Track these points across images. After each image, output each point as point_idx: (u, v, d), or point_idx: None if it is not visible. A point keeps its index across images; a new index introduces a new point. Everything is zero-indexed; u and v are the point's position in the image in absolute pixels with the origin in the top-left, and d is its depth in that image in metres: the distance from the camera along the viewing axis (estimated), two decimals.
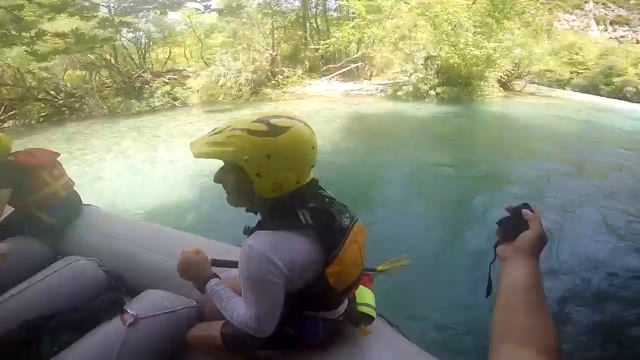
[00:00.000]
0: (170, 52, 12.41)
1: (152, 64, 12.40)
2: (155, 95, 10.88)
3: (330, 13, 13.49)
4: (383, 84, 11.66)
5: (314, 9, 13.41)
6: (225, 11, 7.76)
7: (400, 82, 10.54)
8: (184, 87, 11.27)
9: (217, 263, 0.97)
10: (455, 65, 9.66)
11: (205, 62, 11.97)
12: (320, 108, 9.38)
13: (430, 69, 10.08)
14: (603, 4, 42.15)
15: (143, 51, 12.20)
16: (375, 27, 11.18)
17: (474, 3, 9.93)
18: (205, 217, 3.31)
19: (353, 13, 11.89)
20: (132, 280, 1.37)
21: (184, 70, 12.17)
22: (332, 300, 0.84)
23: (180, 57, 13.81)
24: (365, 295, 0.95)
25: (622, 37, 38.01)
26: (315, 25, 13.16)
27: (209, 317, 1.06)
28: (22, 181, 1.67)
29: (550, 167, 4.85)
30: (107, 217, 1.87)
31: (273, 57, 11.79)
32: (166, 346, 1.06)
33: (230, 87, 10.55)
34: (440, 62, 9.97)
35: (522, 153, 5.72)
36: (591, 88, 21.53)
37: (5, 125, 13.42)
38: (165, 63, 12.53)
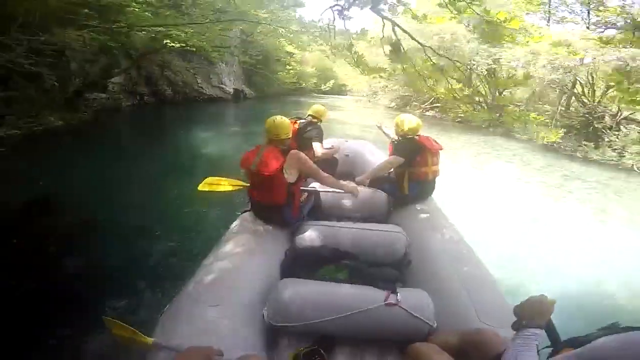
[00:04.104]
0: None
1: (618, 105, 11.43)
2: (629, 149, 9.36)
3: None
4: None
5: None
6: None
7: None
8: None
9: None
10: None
11: None
12: None
13: None
14: None
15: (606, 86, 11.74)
16: None
17: None
18: None
19: None
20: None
21: None
22: None
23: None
24: None
25: None
26: None
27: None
28: (414, 155, 2.72)
29: None
30: (436, 213, 2.71)
31: None
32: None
33: None
34: None
35: None
36: None
37: (427, 113, 18.70)
38: None
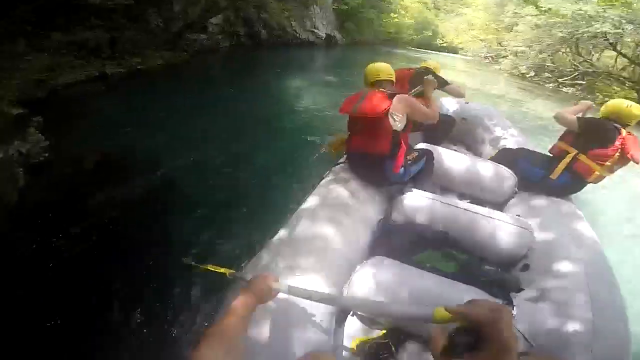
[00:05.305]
0: None
1: None
2: None
3: None
4: None
5: None
6: None
7: None
8: None
9: None
10: None
11: None
12: None
13: None
14: None
15: None
16: None
17: None
18: None
19: None
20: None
21: None
22: None
23: None
24: None
25: None
26: None
27: None
28: (602, 142, 2.20)
29: None
30: (576, 216, 2.11)
31: None
32: None
33: None
34: None
35: None
36: None
37: (564, 89, 15.12)
38: None
